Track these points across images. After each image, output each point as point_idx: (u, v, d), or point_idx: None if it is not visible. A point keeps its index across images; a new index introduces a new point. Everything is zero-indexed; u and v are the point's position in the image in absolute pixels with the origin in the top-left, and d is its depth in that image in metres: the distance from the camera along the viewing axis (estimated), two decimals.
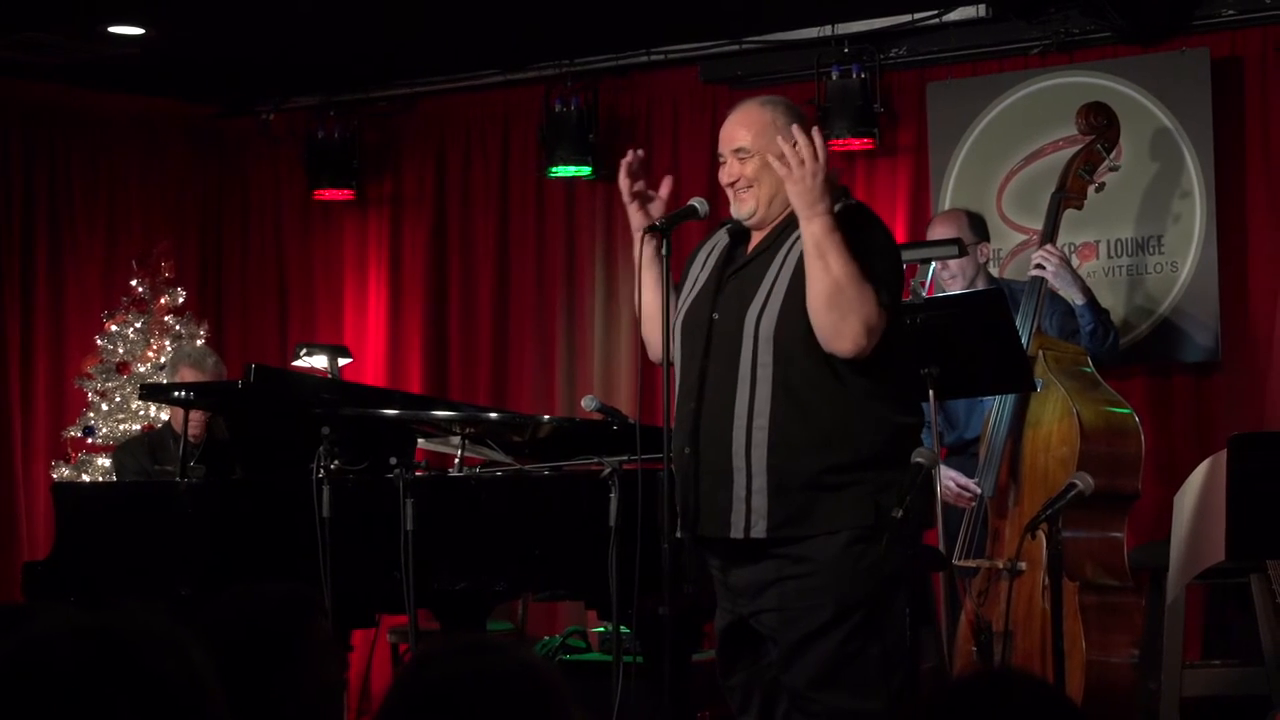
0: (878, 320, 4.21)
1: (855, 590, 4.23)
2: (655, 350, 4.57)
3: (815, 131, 4.32)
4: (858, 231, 4.31)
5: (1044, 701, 1.93)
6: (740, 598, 4.39)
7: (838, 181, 4.49)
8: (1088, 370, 6.16)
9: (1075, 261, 7.25)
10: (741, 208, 4.43)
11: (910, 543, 4.26)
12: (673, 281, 4.51)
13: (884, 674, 4.26)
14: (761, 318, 4.29)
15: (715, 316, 4.39)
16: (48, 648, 1.74)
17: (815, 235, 4.22)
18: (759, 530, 4.27)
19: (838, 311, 4.19)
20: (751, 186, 4.40)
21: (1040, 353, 6.06)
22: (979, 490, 6.14)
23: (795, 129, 4.30)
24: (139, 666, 1.74)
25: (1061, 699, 1.98)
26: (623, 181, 4.57)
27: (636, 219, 4.56)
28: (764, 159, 4.38)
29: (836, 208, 4.34)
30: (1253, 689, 5.96)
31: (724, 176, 4.46)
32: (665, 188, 4.60)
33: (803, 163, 4.24)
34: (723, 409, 4.32)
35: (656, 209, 4.59)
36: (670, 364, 4.45)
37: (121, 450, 7.50)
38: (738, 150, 4.42)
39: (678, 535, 4.44)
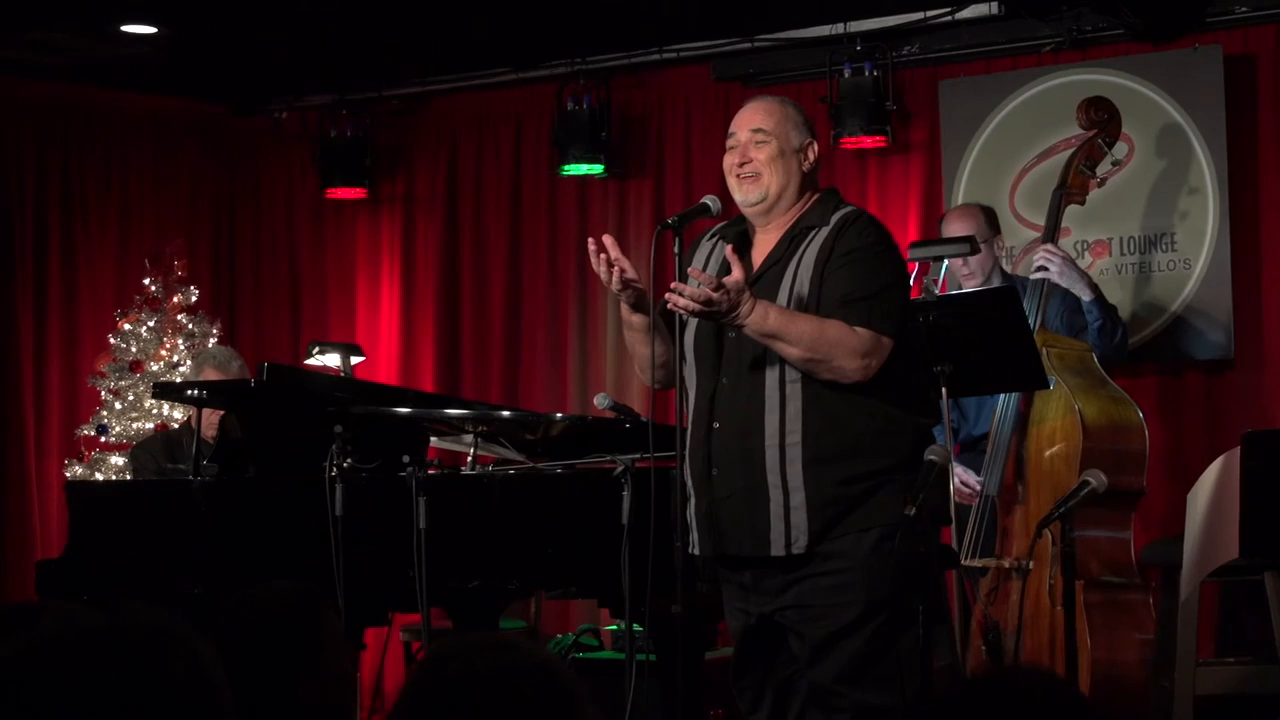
0: (866, 343, 4.23)
1: (885, 587, 4.25)
2: (659, 380, 4.57)
3: (692, 271, 4.27)
4: (846, 244, 4.33)
5: (1058, 698, 1.93)
6: (762, 596, 4.38)
7: (819, 183, 4.51)
8: (1092, 367, 6.15)
9: (1088, 259, 7.25)
10: (749, 193, 4.43)
11: (926, 539, 4.26)
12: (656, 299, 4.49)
13: (902, 671, 4.27)
14: None
15: (731, 334, 4.37)
16: (55, 647, 1.74)
17: (755, 332, 4.23)
18: (800, 546, 4.27)
19: (823, 364, 4.24)
20: (760, 175, 4.40)
21: (1045, 350, 6.05)
22: (979, 487, 6.13)
23: (678, 285, 4.23)
24: (147, 665, 1.74)
25: (1076, 696, 1.98)
26: (610, 276, 4.33)
27: (629, 298, 4.41)
28: (779, 147, 4.40)
29: (834, 217, 4.36)
30: (1267, 687, 5.95)
31: (732, 159, 4.45)
32: (614, 250, 4.36)
33: (701, 310, 4.21)
34: (749, 427, 4.31)
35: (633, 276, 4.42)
36: (683, 381, 4.45)
37: (139, 449, 7.51)
38: (756, 130, 4.42)
39: (694, 552, 4.42)
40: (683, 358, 4.45)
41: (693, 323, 4.45)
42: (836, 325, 4.22)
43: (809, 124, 4.50)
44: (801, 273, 4.33)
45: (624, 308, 4.46)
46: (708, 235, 4.64)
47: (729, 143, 4.49)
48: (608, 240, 4.35)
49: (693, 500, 4.42)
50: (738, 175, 4.44)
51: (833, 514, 4.26)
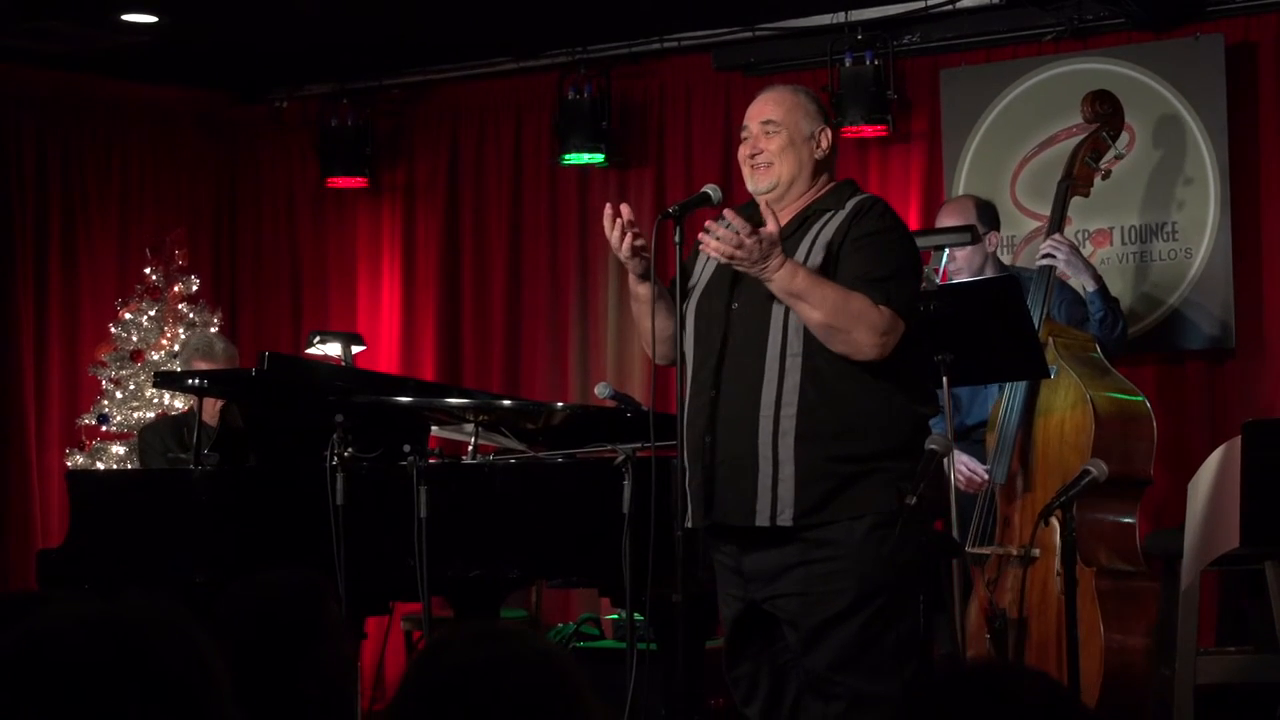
0: (887, 321, 4.24)
1: (878, 575, 4.26)
2: (662, 355, 4.59)
3: (728, 214, 4.27)
4: (863, 227, 4.34)
5: (1052, 695, 1.92)
6: (754, 583, 4.38)
7: (835, 169, 4.53)
8: (1097, 356, 6.15)
9: (1089, 248, 7.25)
10: (759, 182, 4.45)
11: (924, 529, 4.27)
12: (663, 283, 4.50)
13: (899, 659, 4.28)
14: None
15: (735, 306, 4.38)
16: (54, 637, 1.74)
17: (781, 290, 4.24)
18: (785, 519, 4.27)
19: (841, 334, 4.24)
20: (772, 164, 4.42)
21: (1050, 339, 6.05)
22: (987, 476, 6.13)
23: (712, 225, 4.25)
24: (146, 655, 1.74)
25: (1071, 697, 1.97)
26: (621, 241, 4.37)
27: (638, 266, 4.46)
28: (790, 136, 4.42)
29: (850, 202, 4.38)
30: (1267, 676, 5.95)
31: (745, 150, 4.48)
32: (627, 213, 4.41)
33: (737, 248, 4.21)
34: (747, 397, 4.32)
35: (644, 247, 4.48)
36: (682, 355, 4.45)
37: (148, 429, 7.52)
38: (766, 122, 4.44)
39: (688, 525, 4.43)
40: (684, 327, 4.45)
41: (697, 291, 4.47)
42: (860, 298, 4.24)
43: (822, 112, 4.52)
44: (815, 250, 4.35)
45: (631, 278, 4.48)
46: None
47: (742, 134, 4.53)
48: (624, 208, 4.38)
49: (688, 471, 4.43)
50: (750, 165, 4.47)
51: (821, 491, 4.26)
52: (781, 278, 4.22)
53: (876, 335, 4.23)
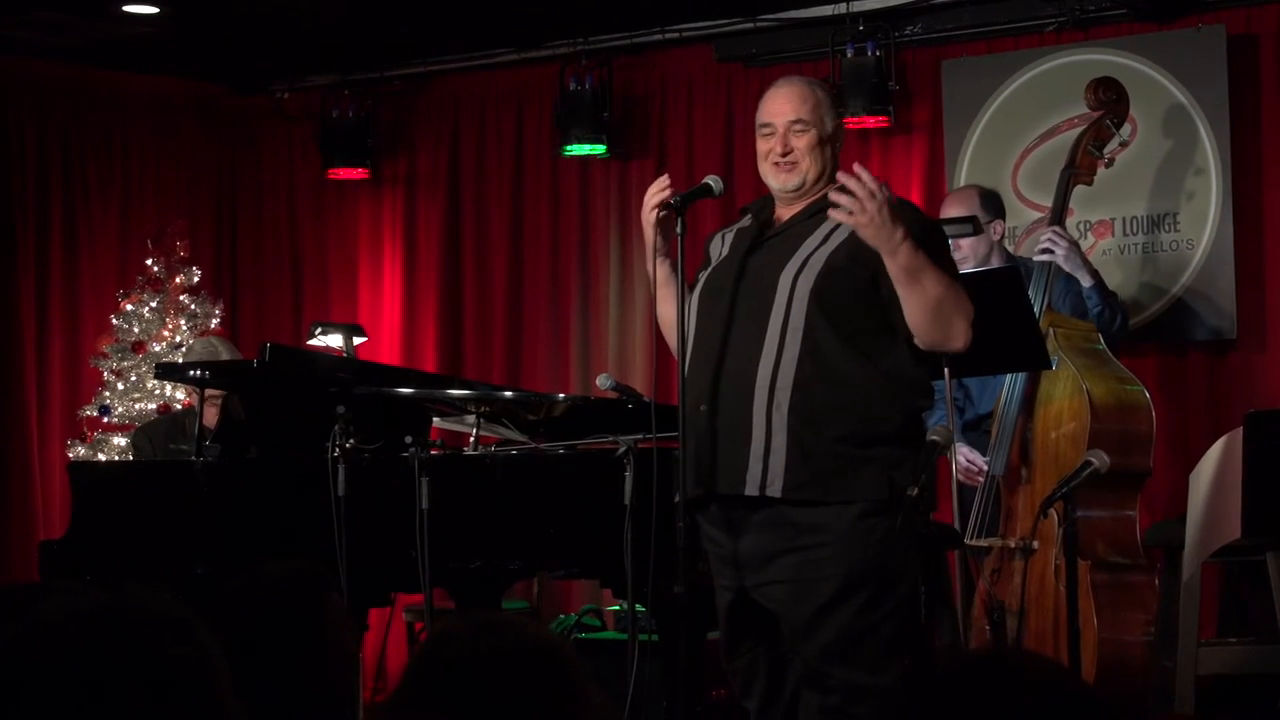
0: (972, 309, 4.25)
1: (866, 563, 4.25)
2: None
3: (859, 168, 4.25)
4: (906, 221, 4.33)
5: (1055, 681, 1.92)
6: (745, 568, 4.38)
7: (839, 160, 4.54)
8: (1098, 347, 6.14)
9: (1091, 239, 7.25)
10: (788, 181, 4.42)
11: (922, 521, 4.27)
12: (687, 279, 4.49)
13: (896, 650, 4.27)
14: (798, 280, 4.30)
15: (743, 282, 4.38)
16: (53, 629, 1.74)
17: (904, 265, 4.19)
18: (774, 489, 4.26)
19: (943, 320, 4.23)
20: (798, 163, 4.41)
21: (1051, 330, 6.04)
22: (986, 467, 6.13)
23: (854, 170, 4.23)
24: (145, 647, 1.74)
25: (1075, 680, 1.97)
26: (649, 210, 4.45)
27: (654, 240, 4.49)
28: (818, 135, 4.42)
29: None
30: (1269, 667, 5.96)
31: (775, 146, 4.44)
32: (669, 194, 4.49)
33: (870, 198, 4.16)
34: (746, 368, 4.32)
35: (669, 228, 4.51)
36: (684, 337, 4.45)
37: (140, 432, 7.52)
38: (796, 121, 4.42)
39: (688, 496, 4.42)
40: (689, 307, 4.45)
41: (707, 272, 4.49)
42: (963, 289, 4.26)
43: (836, 104, 4.53)
44: (836, 235, 4.33)
45: (649, 261, 4.49)
46: (741, 210, 4.66)
47: (763, 130, 4.47)
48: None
49: (684, 443, 4.41)
50: (775, 163, 4.44)
51: (811, 468, 4.25)
52: (908, 249, 4.17)
53: (969, 326, 4.25)
